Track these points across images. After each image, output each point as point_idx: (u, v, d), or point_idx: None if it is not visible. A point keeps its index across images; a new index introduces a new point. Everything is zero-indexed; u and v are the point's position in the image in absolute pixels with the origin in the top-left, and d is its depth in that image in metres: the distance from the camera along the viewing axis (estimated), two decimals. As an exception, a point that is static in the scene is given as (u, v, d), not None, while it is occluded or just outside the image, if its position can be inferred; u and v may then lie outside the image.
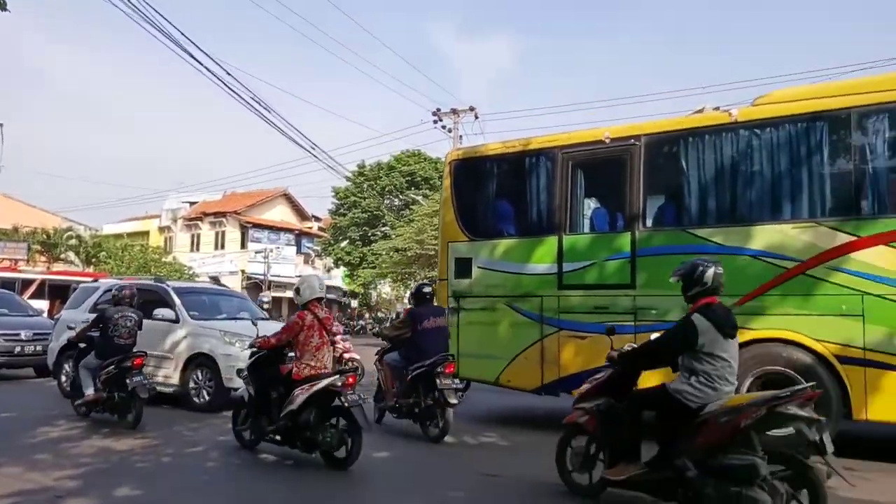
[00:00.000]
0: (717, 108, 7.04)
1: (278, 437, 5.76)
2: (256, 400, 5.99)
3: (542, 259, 7.48)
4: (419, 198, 32.40)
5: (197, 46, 14.72)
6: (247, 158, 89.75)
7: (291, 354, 6.03)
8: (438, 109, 26.15)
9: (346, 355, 12.47)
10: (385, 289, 41.00)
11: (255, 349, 6.15)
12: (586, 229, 7.56)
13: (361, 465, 5.76)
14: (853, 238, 5.86)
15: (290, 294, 39.98)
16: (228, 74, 14.46)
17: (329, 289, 41.31)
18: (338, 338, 13.49)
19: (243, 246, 41.50)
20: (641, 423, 4.25)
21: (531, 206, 7.75)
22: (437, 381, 6.56)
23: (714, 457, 3.78)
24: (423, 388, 6.73)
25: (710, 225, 6.62)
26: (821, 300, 5.94)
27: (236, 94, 13.20)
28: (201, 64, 12.15)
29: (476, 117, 25.84)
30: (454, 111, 25.89)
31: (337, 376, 5.52)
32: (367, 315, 40.88)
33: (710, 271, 4.10)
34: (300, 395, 5.46)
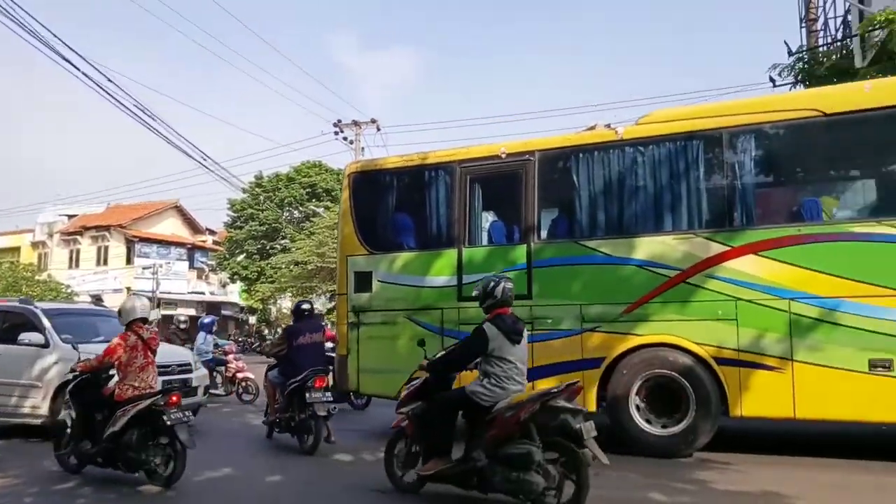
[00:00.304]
0: (607, 125, 7.39)
1: (100, 460, 5.68)
2: (79, 423, 5.87)
3: (443, 272, 7.51)
4: (320, 210, 31.79)
5: (69, 48, 13.62)
6: (133, 169, 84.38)
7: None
8: (339, 121, 25.90)
9: (240, 375, 12.04)
10: (285, 304, 39.78)
11: (76, 372, 6.02)
12: (485, 242, 7.67)
13: (254, 486, 5.54)
14: (726, 248, 6.30)
15: (181, 311, 37.88)
16: (109, 80, 13.16)
17: (225, 305, 39.68)
18: (230, 357, 12.96)
19: (129, 262, 38.89)
20: (449, 422, 4.69)
21: (431, 220, 7.77)
22: (307, 395, 6.86)
23: (501, 447, 4.33)
24: (297, 403, 7.02)
25: (600, 237, 6.90)
26: (700, 306, 6.34)
27: (117, 100, 12.34)
28: (77, 68, 11.28)
29: (378, 129, 25.82)
30: (356, 123, 25.71)
31: (160, 395, 5.54)
32: (265, 332, 39.46)
33: (500, 287, 4.72)
34: (122, 416, 5.45)
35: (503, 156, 7.41)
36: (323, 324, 11.20)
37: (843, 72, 12.46)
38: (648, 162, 6.83)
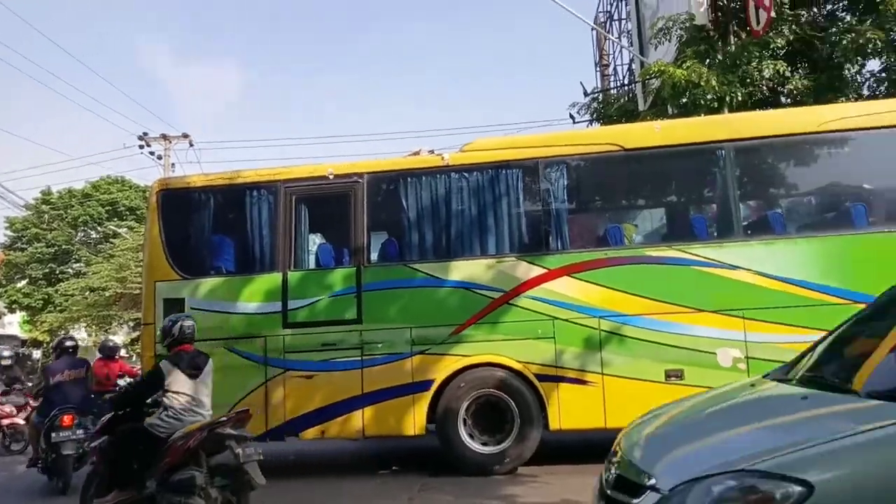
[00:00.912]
0: (431, 152, 7.54)
1: None
2: None
3: (265, 297, 7.08)
4: (122, 230, 28.81)
5: None
6: None
7: None
8: (146, 133, 23.78)
9: (6, 421, 10.37)
10: (81, 334, 35.39)
11: None
12: (311, 265, 7.38)
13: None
14: (544, 270, 6.70)
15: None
16: None
17: (1, 339, 34.41)
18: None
19: None
20: (132, 455, 4.93)
21: (252, 242, 7.30)
22: (53, 434, 6.74)
23: (172, 474, 4.61)
24: (48, 443, 6.87)
25: (428, 260, 6.98)
26: (522, 326, 6.64)
27: None
28: None
29: (191, 145, 24.09)
30: (164, 136, 23.78)
31: None
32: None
33: (178, 326, 5.13)
34: None
35: (331, 177, 7.23)
36: (119, 357, 10.16)
37: (628, 113, 14.24)
38: (472, 187, 7.07)
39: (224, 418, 4.73)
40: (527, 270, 6.72)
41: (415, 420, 6.65)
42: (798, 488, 1.92)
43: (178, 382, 4.89)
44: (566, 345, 6.55)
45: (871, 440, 2.01)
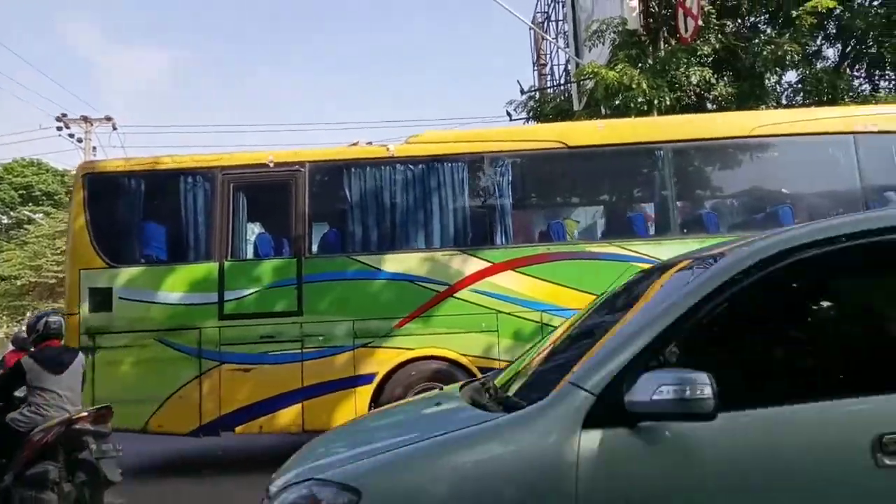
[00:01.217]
0: (369, 143, 7.45)
1: None
2: None
3: (201, 287, 6.81)
4: (38, 216, 27.08)
5: None
6: None
7: None
8: (65, 115, 22.40)
9: None
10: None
11: None
12: (250, 255, 7.15)
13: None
14: (489, 264, 6.73)
15: None
16: None
17: None
18: None
19: None
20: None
21: (186, 230, 7.01)
22: None
23: (28, 468, 4.66)
24: None
25: (372, 251, 6.89)
26: (466, 319, 6.65)
27: None
28: None
29: (115, 128, 22.88)
30: (85, 119, 22.49)
31: None
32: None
33: (43, 321, 5.13)
34: None
35: (271, 165, 7.02)
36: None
37: (564, 112, 14.52)
38: (417, 180, 7.03)
39: (84, 413, 4.77)
40: (472, 264, 6.73)
41: (356, 413, 6.54)
42: (349, 495, 1.99)
43: (41, 378, 4.86)
44: (509, 338, 6.61)
45: (426, 447, 2.06)
